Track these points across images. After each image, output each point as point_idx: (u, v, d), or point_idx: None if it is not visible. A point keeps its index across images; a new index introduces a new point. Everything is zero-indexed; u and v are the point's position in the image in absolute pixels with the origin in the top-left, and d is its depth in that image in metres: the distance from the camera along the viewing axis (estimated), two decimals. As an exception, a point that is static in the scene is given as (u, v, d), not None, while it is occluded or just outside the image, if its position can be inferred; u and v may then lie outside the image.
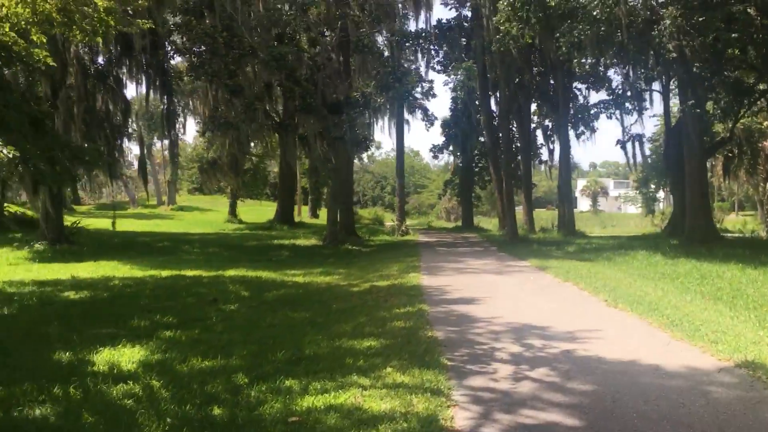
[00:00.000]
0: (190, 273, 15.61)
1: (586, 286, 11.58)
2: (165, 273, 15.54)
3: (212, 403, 5.30)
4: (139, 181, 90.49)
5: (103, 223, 41.35)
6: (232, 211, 51.37)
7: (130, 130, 27.57)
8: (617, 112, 32.37)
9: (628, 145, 31.49)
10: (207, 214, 60.40)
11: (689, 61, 20.40)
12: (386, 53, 25.51)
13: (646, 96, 31.74)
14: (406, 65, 35.64)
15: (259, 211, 57.10)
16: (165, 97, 22.80)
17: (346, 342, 7.30)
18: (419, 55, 33.14)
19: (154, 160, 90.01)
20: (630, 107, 31.35)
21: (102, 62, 22.73)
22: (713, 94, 24.22)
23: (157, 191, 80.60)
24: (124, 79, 24.44)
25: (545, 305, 9.69)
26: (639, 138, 31.21)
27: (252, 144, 42.15)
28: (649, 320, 8.28)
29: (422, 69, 35.79)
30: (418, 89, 38.75)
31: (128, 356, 7.11)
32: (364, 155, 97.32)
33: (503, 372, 5.95)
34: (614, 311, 9.10)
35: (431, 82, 41.27)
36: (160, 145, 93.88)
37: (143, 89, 22.77)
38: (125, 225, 41.76)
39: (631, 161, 32.58)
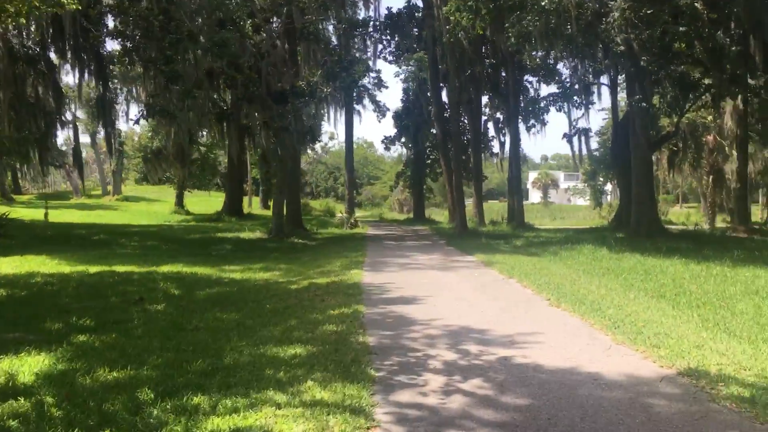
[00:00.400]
0: (121, 269, 14.81)
1: (530, 283, 11.28)
2: (94, 269, 14.70)
3: (106, 425, 4.71)
4: (85, 169, 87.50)
5: (41, 214, 39.74)
6: (179, 202, 50.03)
7: (69, 117, 26.03)
8: (566, 105, 32.38)
9: (575, 139, 31.62)
10: (154, 205, 58.77)
11: (637, 54, 20.37)
12: (334, 41, 24.88)
13: (594, 90, 32.04)
14: (357, 55, 35.13)
15: (208, 202, 55.85)
16: (100, 83, 21.68)
17: (270, 349, 6.76)
18: (368, 44, 32.51)
19: (99, 148, 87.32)
20: (578, 101, 31.41)
21: (33, 46, 21.51)
22: (660, 88, 24.34)
23: (102, 181, 78.11)
24: (60, 64, 23.29)
25: (487, 305, 9.32)
26: (585, 132, 31.43)
27: (203, 133, 41.06)
28: (591, 321, 7.98)
29: (372, 59, 35.09)
30: (368, 80, 38.32)
31: (30, 366, 6.43)
32: (317, 146, 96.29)
33: (434, 384, 5.50)
34: (557, 311, 8.78)
35: (379, 71, 40.65)
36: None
37: (80, 75, 21.54)
38: (65, 216, 40.20)
39: (577, 155, 32.71)
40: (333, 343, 6.90)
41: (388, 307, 9.14)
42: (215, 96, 21.15)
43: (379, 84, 42.52)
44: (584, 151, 32.76)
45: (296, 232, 24.83)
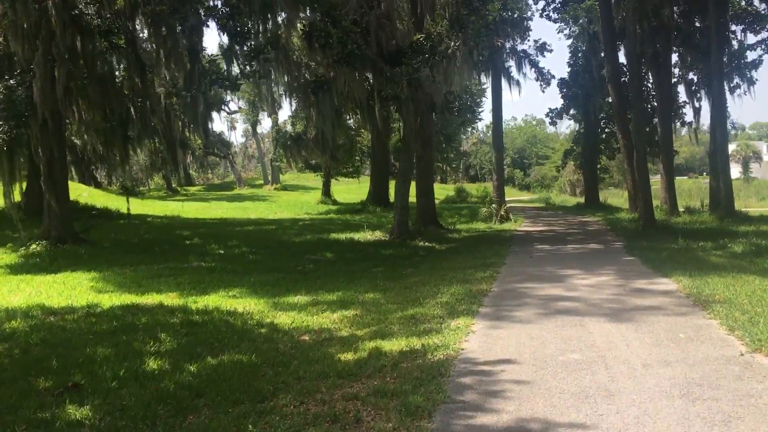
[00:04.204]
0: (154, 299, 10.77)
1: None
2: (120, 299, 10.77)
3: None
4: (235, 160, 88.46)
5: (187, 209, 38.17)
6: (326, 191, 47.00)
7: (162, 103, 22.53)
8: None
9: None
10: (307, 194, 56.95)
11: None
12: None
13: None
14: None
15: (359, 189, 52.56)
16: (186, 53, 17.77)
17: None
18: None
19: (264, 138, 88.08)
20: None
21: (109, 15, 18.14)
22: None
23: (263, 170, 78.23)
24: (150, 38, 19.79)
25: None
26: None
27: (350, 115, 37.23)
28: None
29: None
30: (530, 43, 32.06)
31: None
32: (481, 124, 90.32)
33: None
34: None
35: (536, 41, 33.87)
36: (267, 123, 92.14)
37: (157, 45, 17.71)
38: (204, 210, 38.46)
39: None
40: None
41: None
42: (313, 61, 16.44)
43: (542, 48, 35.94)
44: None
45: (426, 231, 19.72)
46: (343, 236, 19.80)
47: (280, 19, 15.69)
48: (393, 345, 7.05)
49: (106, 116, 18.38)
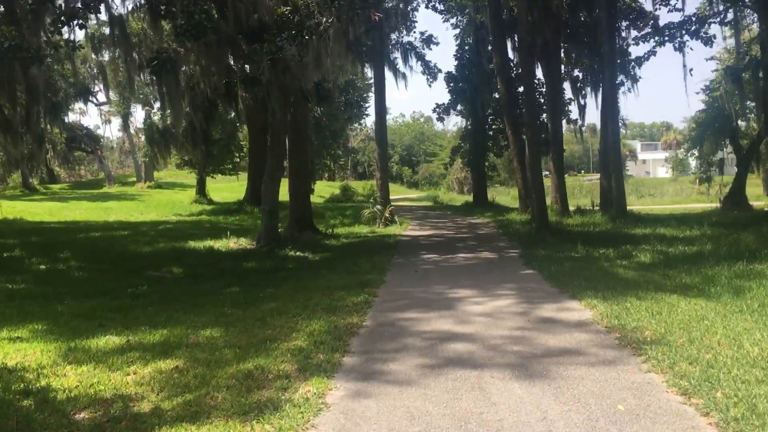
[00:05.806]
0: None
1: None
2: None
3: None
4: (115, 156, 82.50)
5: (37, 210, 33.74)
6: (200, 190, 43.44)
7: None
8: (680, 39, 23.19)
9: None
10: (185, 192, 52.90)
11: None
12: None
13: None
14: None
15: (240, 188, 49.25)
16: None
17: None
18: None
19: (140, 132, 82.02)
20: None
21: None
22: None
23: (135, 167, 72.52)
24: None
25: None
26: (761, 65, 20.40)
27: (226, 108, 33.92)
28: None
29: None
30: (414, 36, 30.31)
31: None
32: (369, 120, 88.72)
33: None
34: None
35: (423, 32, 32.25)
36: (139, 116, 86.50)
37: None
38: (60, 212, 34.08)
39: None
40: None
41: None
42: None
43: (429, 41, 34.30)
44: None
45: (300, 238, 17.26)
46: (202, 244, 16.93)
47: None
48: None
49: None
